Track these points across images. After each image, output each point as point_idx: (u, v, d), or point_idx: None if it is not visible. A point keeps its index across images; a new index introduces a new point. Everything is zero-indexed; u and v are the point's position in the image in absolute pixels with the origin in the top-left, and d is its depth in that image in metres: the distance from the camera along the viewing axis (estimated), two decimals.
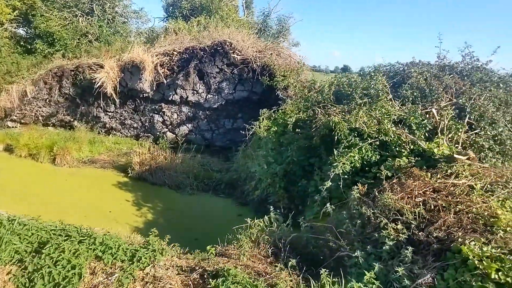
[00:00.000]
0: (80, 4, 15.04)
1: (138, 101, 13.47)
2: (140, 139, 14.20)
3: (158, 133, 13.97)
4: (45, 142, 11.49)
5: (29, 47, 14.62)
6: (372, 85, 6.76)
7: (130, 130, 14.30)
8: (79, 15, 15.04)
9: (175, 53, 12.13)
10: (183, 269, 3.93)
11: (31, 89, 12.91)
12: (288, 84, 11.12)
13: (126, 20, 16.57)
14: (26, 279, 3.55)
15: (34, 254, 3.81)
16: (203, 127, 13.75)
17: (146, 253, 3.77)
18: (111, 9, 15.64)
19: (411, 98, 6.98)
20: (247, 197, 9.14)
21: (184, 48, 12.08)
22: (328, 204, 4.62)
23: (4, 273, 3.68)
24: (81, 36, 14.61)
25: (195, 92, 12.86)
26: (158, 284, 3.59)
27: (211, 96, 12.91)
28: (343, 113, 6.32)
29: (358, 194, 4.88)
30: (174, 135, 13.97)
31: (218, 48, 11.81)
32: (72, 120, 14.30)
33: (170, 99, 13.10)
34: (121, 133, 14.34)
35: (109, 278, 3.57)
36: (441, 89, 6.78)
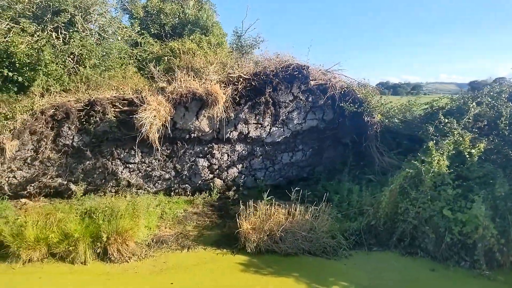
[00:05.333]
0: (49, 13, 10.31)
1: (179, 144, 10.05)
2: (172, 193, 10.70)
3: (200, 182, 10.82)
4: (79, 228, 7.14)
5: None
6: None
7: (157, 184, 10.57)
8: (48, 29, 10.27)
9: (241, 80, 9.61)
10: None
11: (13, 146, 7.94)
12: (376, 109, 10.32)
13: (105, 35, 12.28)
14: None
15: None
16: (256, 165, 11.41)
17: None
18: (96, 18, 11.35)
19: None
20: (414, 245, 7.84)
21: (252, 74, 9.69)
22: None
23: None
24: (61, 59, 9.96)
25: (259, 125, 10.50)
26: None
27: (276, 128, 10.80)
28: None
29: None
30: (222, 181, 11.11)
31: (295, 73, 9.96)
32: (65, 183, 9.54)
33: (226, 137, 10.28)
34: (143, 189, 10.43)
35: None
36: None
